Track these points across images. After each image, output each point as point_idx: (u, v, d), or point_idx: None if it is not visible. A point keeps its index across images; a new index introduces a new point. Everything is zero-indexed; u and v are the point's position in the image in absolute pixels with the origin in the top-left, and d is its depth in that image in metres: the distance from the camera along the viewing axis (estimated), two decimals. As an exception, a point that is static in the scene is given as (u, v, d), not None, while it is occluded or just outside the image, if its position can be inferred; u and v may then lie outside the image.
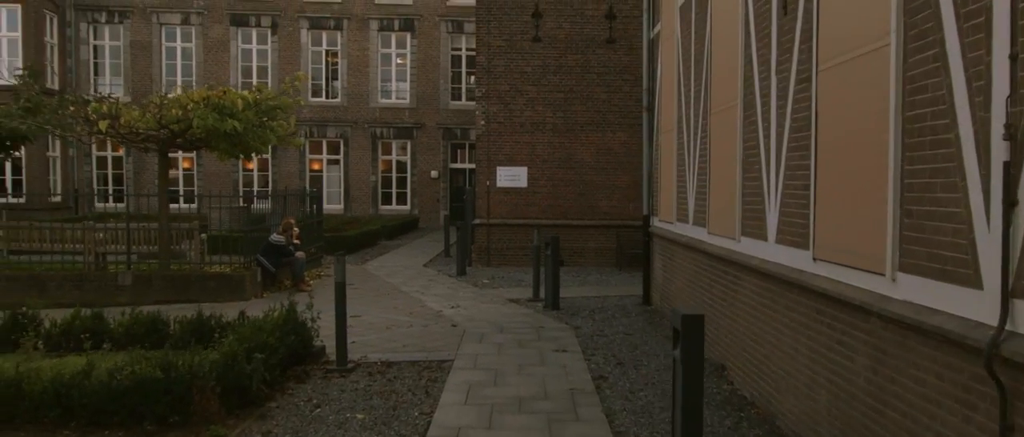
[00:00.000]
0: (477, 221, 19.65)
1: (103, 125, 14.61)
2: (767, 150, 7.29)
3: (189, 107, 14.89)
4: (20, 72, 18.16)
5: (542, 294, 13.87)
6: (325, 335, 9.57)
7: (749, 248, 7.83)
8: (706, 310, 9.53)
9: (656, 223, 13.25)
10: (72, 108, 15.68)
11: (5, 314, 9.82)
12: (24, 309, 9.85)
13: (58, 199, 32.70)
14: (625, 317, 12.49)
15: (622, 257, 19.03)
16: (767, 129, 7.30)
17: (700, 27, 10.00)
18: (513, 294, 14.87)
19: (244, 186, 33.68)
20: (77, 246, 15.71)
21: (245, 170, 34.22)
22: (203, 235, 16.43)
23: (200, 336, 9.47)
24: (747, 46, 7.96)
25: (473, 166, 32.39)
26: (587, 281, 16.90)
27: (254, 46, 34.26)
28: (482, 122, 19.46)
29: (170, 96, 15.85)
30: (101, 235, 15.90)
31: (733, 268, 8.42)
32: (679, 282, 11.32)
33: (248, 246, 15.21)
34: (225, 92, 15.10)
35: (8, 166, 31.57)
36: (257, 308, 11.27)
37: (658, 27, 13.06)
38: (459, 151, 35.06)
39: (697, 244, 9.99)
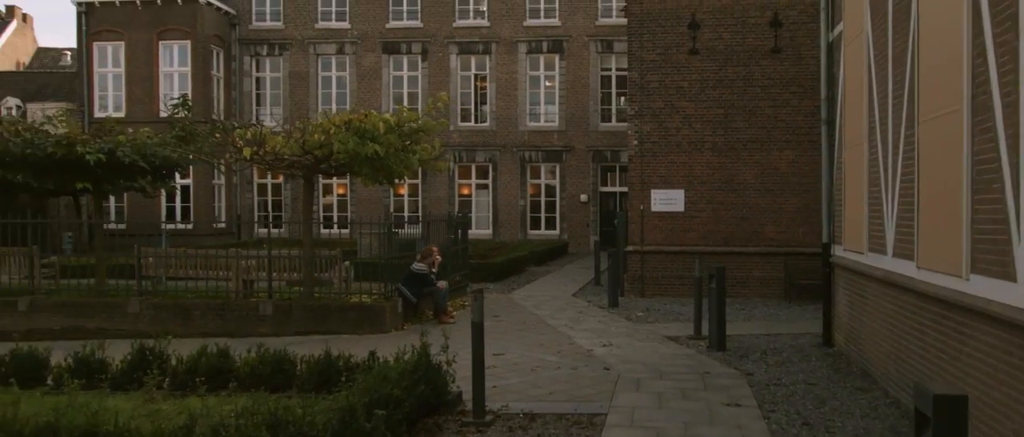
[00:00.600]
0: (630, 248, 18.16)
1: (247, 152, 14.18)
2: (1015, 165, 5.55)
3: (331, 131, 14.26)
4: (175, 102, 18.25)
5: (705, 331, 12.27)
6: (462, 376, 8.38)
7: (985, 290, 6.06)
8: (916, 364, 7.72)
9: (839, 252, 11.40)
10: (217, 135, 15.41)
11: (134, 348, 9.22)
12: (159, 341, 9.24)
13: (222, 225, 33.58)
14: (804, 361, 10.70)
15: (791, 288, 17.05)
16: (1015, 137, 5.55)
17: (901, 18, 8.25)
18: (671, 330, 13.31)
19: (395, 211, 33.50)
20: (225, 273, 15.40)
21: (396, 195, 34.08)
22: (347, 262, 15.77)
23: (326, 378, 8.54)
24: (977, 32, 6.23)
25: (625, 189, 30.90)
26: (753, 315, 15.09)
27: (405, 73, 34.19)
28: (635, 142, 18.01)
29: (313, 121, 15.33)
30: (247, 263, 15.51)
31: (958, 313, 6.64)
32: (873, 324, 9.47)
33: (390, 274, 14.37)
34: (366, 115, 14.37)
35: (177, 194, 32.69)
36: (394, 343, 10.29)
37: (839, 27, 11.27)
38: (609, 174, 33.65)
39: (900, 280, 8.18)
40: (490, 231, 33.44)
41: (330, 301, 13.94)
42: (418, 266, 14.52)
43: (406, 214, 33.28)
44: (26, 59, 48.10)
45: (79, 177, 15.28)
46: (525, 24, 33.31)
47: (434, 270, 14.85)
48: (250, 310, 13.75)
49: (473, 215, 32.95)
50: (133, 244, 15.28)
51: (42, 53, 50.02)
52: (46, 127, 15.83)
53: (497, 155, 33.69)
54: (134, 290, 14.44)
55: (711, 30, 17.42)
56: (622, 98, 32.64)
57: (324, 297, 14.20)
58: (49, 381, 9.20)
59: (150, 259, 15.90)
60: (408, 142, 15.16)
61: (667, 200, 17.76)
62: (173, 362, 9.07)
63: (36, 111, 32.97)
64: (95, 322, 13.80)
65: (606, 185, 33.63)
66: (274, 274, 14.64)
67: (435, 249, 15.19)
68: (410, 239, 21.81)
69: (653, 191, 17.79)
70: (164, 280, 16.78)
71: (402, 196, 34.34)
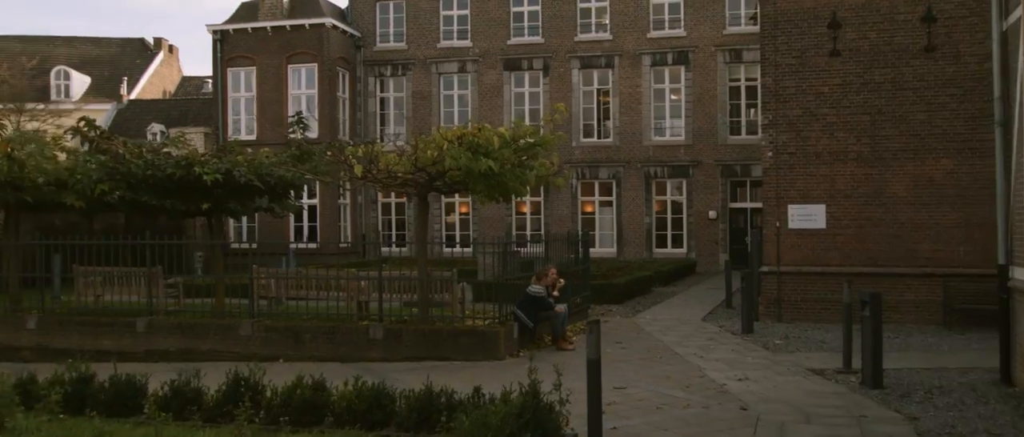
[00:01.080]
0: (765, 268, 16.60)
1: (359, 169, 13.59)
2: None
3: (444, 147, 13.51)
4: (291, 119, 18.01)
5: (855, 363, 10.73)
6: (578, 413, 7.26)
7: None
8: None
9: (1019, 275, 9.67)
10: (329, 154, 14.96)
11: (228, 378, 8.61)
12: (253, 370, 8.61)
13: (347, 245, 33.68)
14: (980, 403, 9.06)
15: (951, 314, 15.10)
16: None
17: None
18: (815, 361, 11.79)
19: (517, 230, 32.73)
20: (340, 295, 14.87)
21: (518, 214, 33.33)
22: (463, 284, 14.97)
23: (426, 416, 7.66)
24: None
25: (757, 205, 29.05)
26: (909, 345, 13.32)
27: (526, 89, 33.47)
28: (769, 154, 16.48)
29: (424, 137, 14.64)
30: (361, 284, 14.94)
31: None
32: (1072, 362, 7.82)
33: (506, 296, 13.44)
34: (480, 129, 13.55)
35: (305, 213, 33.02)
36: (507, 373, 9.36)
37: (1016, 13, 9.61)
38: (739, 189, 31.80)
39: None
40: (614, 250, 32.17)
41: (442, 326, 13.13)
42: (535, 288, 13.54)
43: (528, 232, 32.44)
44: (172, 88, 50.38)
45: (198, 197, 15.10)
46: (649, 36, 32.00)
47: (555, 293, 13.84)
48: (360, 334, 13.10)
49: (596, 233, 31.78)
50: (268, 263, 14.95)
51: (186, 81, 52.33)
52: (168, 149, 15.79)
53: (621, 171, 32.43)
54: (248, 312, 14.05)
55: (854, 29, 15.75)
56: (752, 109, 30.82)
57: (437, 321, 13.41)
58: (145, 410, 8.72)
59: (268, 280, 15.58)
60: (524, 157, 14.24)
61: (806, 216, 16.12)
62: (268, 394, 8.40)
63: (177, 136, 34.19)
64: (208, 344, 13.48)
65: (736, 201, 31.80)
66: (389, 296, 13.98)
67: (553, 270, 14.18)
68: (530, 259, 20.87)
69: (790, 206, 16.19)
70: (284, 301, 16.46)
71: (524, 214, 33.55)
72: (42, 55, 46.83)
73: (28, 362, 13.78)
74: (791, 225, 16.15)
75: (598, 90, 32.87)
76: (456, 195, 27.91)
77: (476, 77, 33.82)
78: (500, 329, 12.66)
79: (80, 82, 45.20)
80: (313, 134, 27.57)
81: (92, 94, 44.91)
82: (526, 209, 33.37)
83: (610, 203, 32.77)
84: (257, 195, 16.37)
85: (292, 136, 18.03)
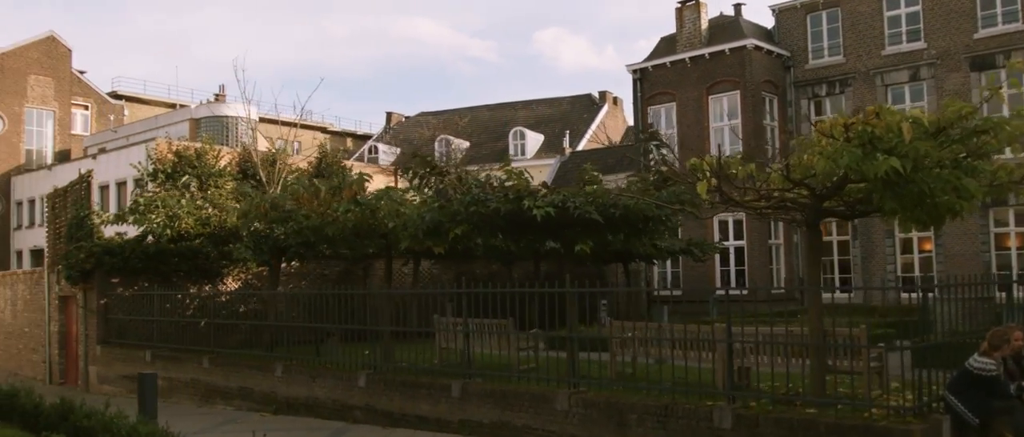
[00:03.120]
0: None
1: (701, 188, 9.62)
2: None
3: (823, 145, 8.95)
4: (643, 135, 14.47)
5: None
6: None
7: None
8: None
9: None
10: (659, 151, 11.13)
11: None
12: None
13: (782, 290, 28.77)
14: None
15: None
16: None
17: None
18: None
19: (999, 269, 24.79)
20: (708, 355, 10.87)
21: (1000, 249, 25.34)
22: (881, 346, 9.97)
23: None
24: None
25: None
26: None
27: (1006, 89, 25.49)
28: None
29: (801, 138, 10.11)
30: (736, 344, 10.75)
31: None
32: None
33: (946, 365, 8.28)
34: (876, 113, 8.69)
35: (730, 256, 29.00)
36: None
37: None
38: None
39: None
40: None
41: (819, 416, 8.42)
42: (980, 362, 8.14)
43: (1015, 272, 24.34)
44: (617, 137, 50.15)
45: (528, 234, 12.39)
46: None
47: None
48: (701, 419, 9.01)
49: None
50: (692, 311, 11.54)
51: (631, 130, 51.84)
52: (500, 181, 13.41)
53: None
54: (571, 379, 10.76)
55: None
56: None
57: (832, 408, 8.72)
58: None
59: (625, 334, 12.17)
60: (963, 155, 8.98)
61: None
62: None
63: (609, 182, 32.78)
64: (523, 417, 10.53)
65: None
66: (776, 359, 9.65)
67: (1018, 333, 8.55)
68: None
69: None
70: (648, 360, 12.90)
71: (1009, 249, 25.43)
72: (505, 119, 49.97)
73: (357, 423, 12.18)
74: None
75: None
76: (913, 229, 21.64)
77: (934, 84, 26.85)
78: (913, 424, 7.61)
79: (534, 140, 46.95)
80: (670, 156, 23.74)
81: (544, 150, 46.33)
82: (1013, 242, 25.24)
83: None
84: (610, 231, 13.17)
85: (649, 158, 14.58)
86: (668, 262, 30.16)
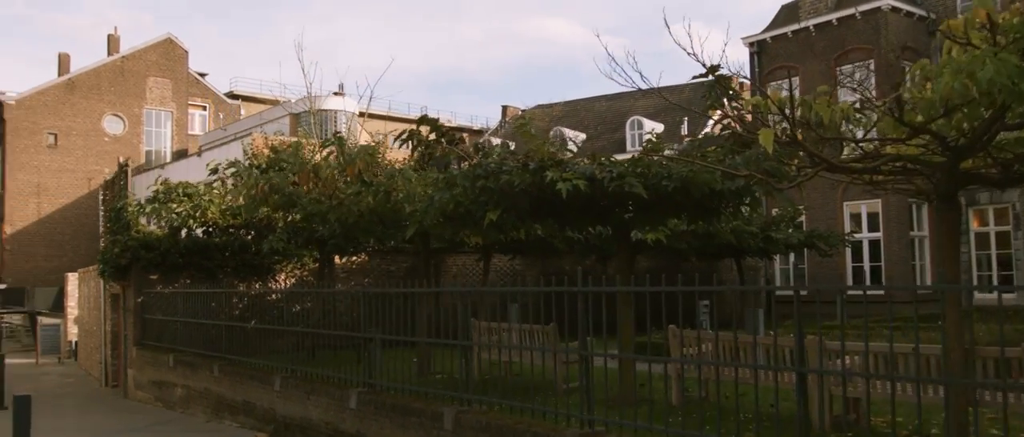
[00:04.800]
0: None
1: (765, 138, 6.33)
2: None
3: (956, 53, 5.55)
4: (705, 75, 11.08)
5: None
6: None
7: None
8: None
9: None
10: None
11: None
12: None
13: (927, 290, 24.15)
14: None
15: None
16: None
17: None
18: None
19: None
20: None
21: None
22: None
23: None
24: None
25: None
26: None
27: None
28: None
29: (923, 61, 6.61)
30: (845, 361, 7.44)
31: None
32: None
33: None
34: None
35: (864, 249, 24.67)
36: None
37: None
38: None
39: None
40: None
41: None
42: None
43: None
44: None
45: (550, 214, 9.42)
46: None
47: None
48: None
49: None
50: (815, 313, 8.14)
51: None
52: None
53: None
54: (585, 415, 7.66)
55: None
56: None
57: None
58: None
59: (692, 345, 9.00)
60: None
61: None
62: None
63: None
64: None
65: None
66: (893, 387, 6.33)
67: None
68: None
69: None
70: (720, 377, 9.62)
71: None
72: (623, 109, 46.83)
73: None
74: None
75: None
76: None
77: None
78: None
79: (653, 129, 43.49)
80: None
81: (665, 139, 42.82)
82: None
83: None
84: (668, 211, 9.98)
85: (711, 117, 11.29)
86: (791, 257, 26.18)
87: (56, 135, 40.02)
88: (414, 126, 10.31)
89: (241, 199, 13.11)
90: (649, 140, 11.35)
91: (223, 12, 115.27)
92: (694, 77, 8.16)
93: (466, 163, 9.79)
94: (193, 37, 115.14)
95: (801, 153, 7.24)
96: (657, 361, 8.11)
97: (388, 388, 9.47)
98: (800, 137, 6.25)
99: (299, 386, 10.86)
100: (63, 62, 43.00)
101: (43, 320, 28.79)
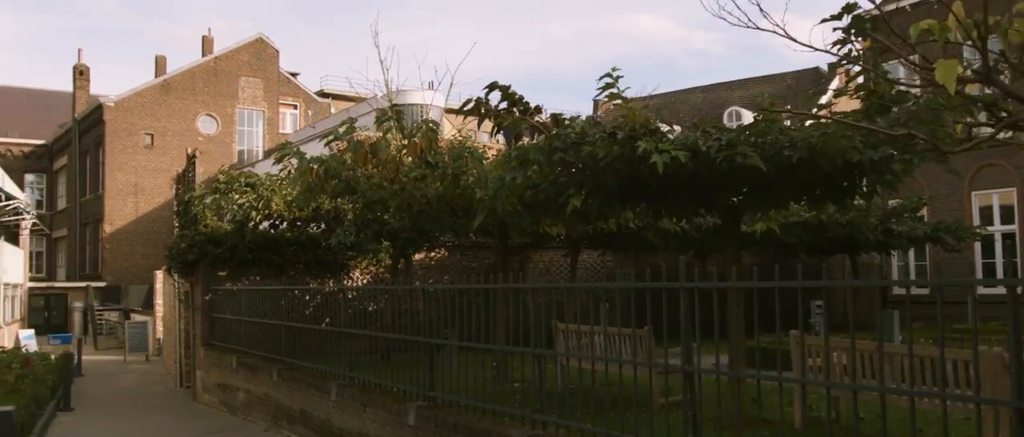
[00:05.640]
0: None
1: (942, 73, 4.48)
2: None
3: None
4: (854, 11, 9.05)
5: None
6: None
7: None
8: None
9: None
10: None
11: None
12: None
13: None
14: None
15: None
16: None
17: None
18: None
19: None
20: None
21: None
22: None
23: None
24: None
25: None
26: None
27: None
28: None
29: None
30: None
31: None
32: None
33: None
34: None
35: (996, 244, 21.81)
36: None
37: None
38: None
39: None
40: None
41: None
42: None
43: None
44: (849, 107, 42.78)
45: (643, 197, 7.70)
46: None
47: None
48: None
49: None
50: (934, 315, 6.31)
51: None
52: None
53: None
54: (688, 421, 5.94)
55: None
56: None
57: None
58: None
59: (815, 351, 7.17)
60: None
61: None
62: None
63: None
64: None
65: None
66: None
67: None
68: None
69: None
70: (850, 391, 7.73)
71: None
72: (720, 100, 44.49)
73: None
74: None
75: None
76: None
77: None
78: None
79: (750, 119, 41.01)
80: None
81: (763, 130, 40.24)
82: None
83: None
84: (789, 191, 8.11)
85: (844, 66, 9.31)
86: (911, 253, 23.52)
87: (152, 135, 40.49)
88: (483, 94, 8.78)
89: (298, 186, 11.92)
90: (756, 118, 9.44)
91: (326, 19, 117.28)
92: (822, 20, 6.29)
93: (543, 137, 8.15)
94: (287, 39, 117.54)
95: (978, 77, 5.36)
96: (789, 382, 6.28)
97: (450, 403, 7.95)
98: (1006, 70, 4.37)
99: (356, 396, 9.49)
100: (160, 64, 43.57)
101: (132, 318, 28.72)
